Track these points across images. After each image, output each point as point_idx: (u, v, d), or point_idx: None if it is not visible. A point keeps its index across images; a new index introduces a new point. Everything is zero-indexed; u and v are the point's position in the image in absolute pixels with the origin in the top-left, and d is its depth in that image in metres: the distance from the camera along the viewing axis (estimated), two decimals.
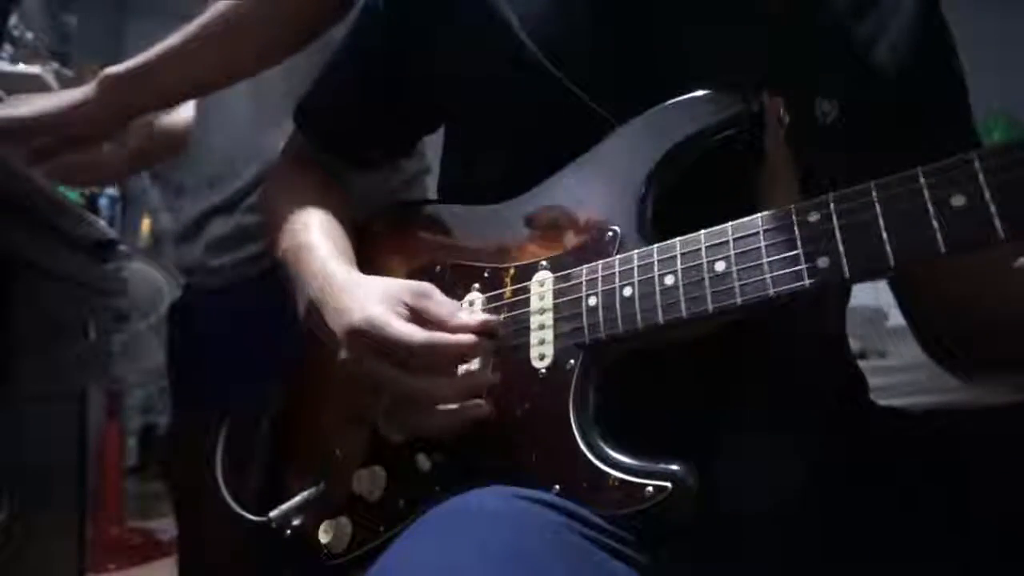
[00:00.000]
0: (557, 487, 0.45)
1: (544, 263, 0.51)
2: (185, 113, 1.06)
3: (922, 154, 0.40)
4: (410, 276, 0.59)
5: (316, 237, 0.62)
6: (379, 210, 0.68)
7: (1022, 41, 2.88)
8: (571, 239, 0.51)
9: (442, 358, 0.50)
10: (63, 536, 1.10)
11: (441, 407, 0.50)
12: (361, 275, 0.57)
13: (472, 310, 0.53)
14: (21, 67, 1.35)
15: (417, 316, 0.51)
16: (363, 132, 0.68)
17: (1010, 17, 2.90)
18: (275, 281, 0.68)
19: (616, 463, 0.43)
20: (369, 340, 0.50)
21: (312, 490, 0.57)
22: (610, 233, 0.49)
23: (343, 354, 0.52)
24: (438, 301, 0.52)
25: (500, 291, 0.53)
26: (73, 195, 1.32)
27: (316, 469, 0.59)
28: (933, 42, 0.57)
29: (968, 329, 0.55)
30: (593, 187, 0.51)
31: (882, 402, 0.59)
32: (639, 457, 0.43)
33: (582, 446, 0.45)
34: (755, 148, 0.48)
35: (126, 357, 2.22)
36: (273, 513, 0.57)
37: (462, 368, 0.51)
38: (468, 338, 0.49)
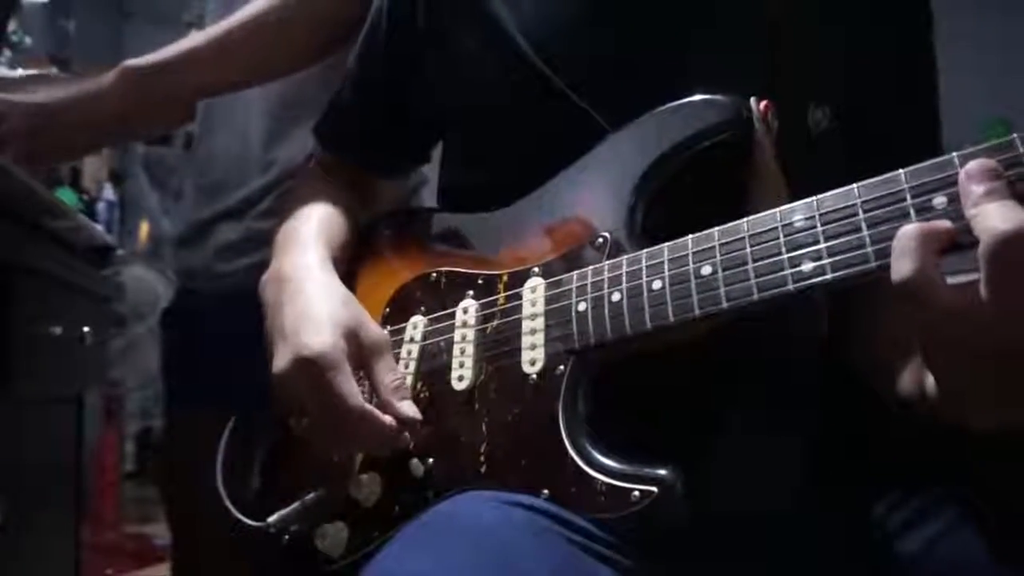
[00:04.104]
0: (546, 491, 0.45)
1: (536, 269, 0.52)
2: None
3: (916, 162, 0.40)
4: (406, 284, 0.60)
5: (312, 222, 0.63)
6: (375, 218, 0.68)
7: (1022, 44, 2.89)
8: (563, 245, 0.52)
9: (364, 432, 0.50)
10: (59, 540, 1.10)
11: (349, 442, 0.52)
12: (331, 286, 0.57)
13: (405, 394, 0.53)
14: (20, 72, 1.36)
15: (359, 363, 0.52)
16: (377, 141, 0.69)
17: (1011, 19, 2.91)
18: None
19: (604, 467, 0.44)
20: (312, 371, 0.50)
21: (310, 496, 0.57)
22: (601, 239, 0.50)
23: (281, 365, 0.52)
24: (382, 368, 0.53)
25: (494, 297, 0.53)
26: (71, 200, 1.33)
27: (314, 475, 0.59)
28: (924, 52, 0.57)
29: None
30: (585, 193, 0.52)
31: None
32: (628, 462, 0.44)
33: (570, 451, 0.45)
34: (745, 152, 0.48)
35: (124, 361, 2.22)
36: (271, 518, 0.57)
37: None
38: (393, 425, 0.50)
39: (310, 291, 0.56)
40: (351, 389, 0.50)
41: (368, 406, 0.50)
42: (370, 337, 0.53)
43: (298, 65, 0.80)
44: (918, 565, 0.46)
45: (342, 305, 0.55)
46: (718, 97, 0.48)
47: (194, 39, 0.78)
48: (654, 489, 0.41)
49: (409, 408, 0.51)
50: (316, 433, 0.54)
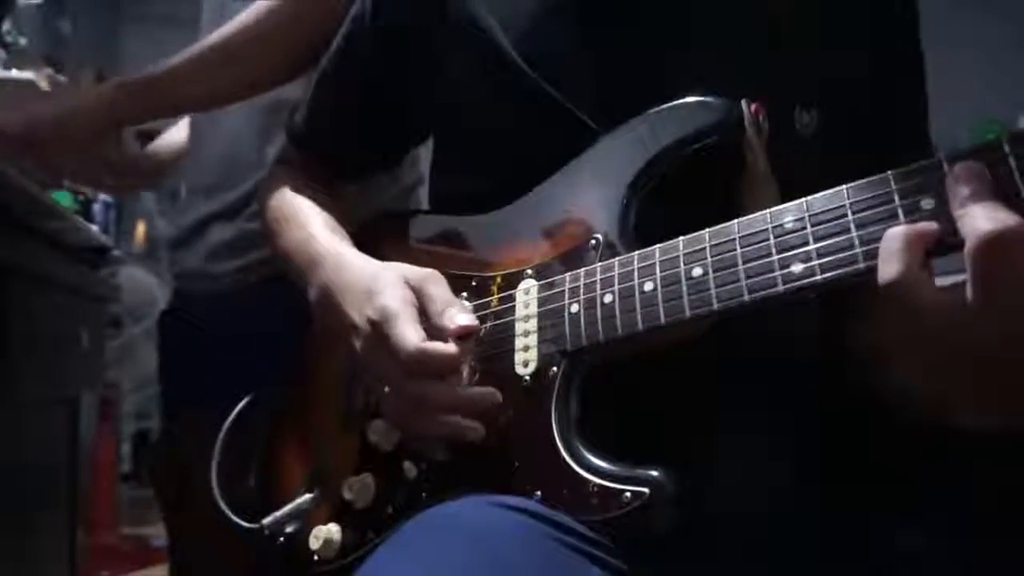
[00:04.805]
0: (539, 493, 0.45)
1: (529, 271, 0.52)
2: (178, 135, 1.07)
3: (904, 163, 0.40)
4: None
5: (320, 229, 0.63)
6: (368, 220, 0.68)
7: (1017, 44, 2.89)
8: (556, 247, 0.52)
9: (431, 367, 0.49)
10: (56, 541, 1.10)
11: (432, 417, 0.49)
12: (371, 260, 0.57)
13: (462, 307, 0.52)
14: (15, 73, 1.35)
15: (415, 301, 0.51)
16: (353, 142, 0.69)
17: (1007, 19, 2.91)
18: (276, 288, 0.68)
19: (596, 469, 0.44)
20: (379, 331, 0.50)
21: (305, 498, 0.57)
22: (593, 241, 0.50)
23: (357, 342, 0.52)
24: (431, 295, 0.52)
25: (487, 299, 0.53)
26: (67, 201, 1.33)
27: (309, 477, 0.59)
28: (909, 52, 0.58)
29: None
30: (577, 196, 0.52)
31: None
32: (620, 463, 0.44)
33: (563, 452, 0.45)
34: (736, 155, 0.48)
35: (120, 363, 2.21)
36: (266, 520, 0.57)
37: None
38: (453, 349, 0.49)
39: (359, 276, 0.56)
40: (408, 332, 0.49)
41: (423, 344, 0.48)
42: (415, 276, 0.53)
43: (282, 78, 0.81)
44: (917, 565, 0.46)
45: (384, 267, 0.55)
46: (709, 99, 0.48)
47: (180, 55, 0.79)
48: (645, 490, 0.42)
49: (463, 319, 0.49)
50: (398, 401, 0.51)
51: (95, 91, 0.80)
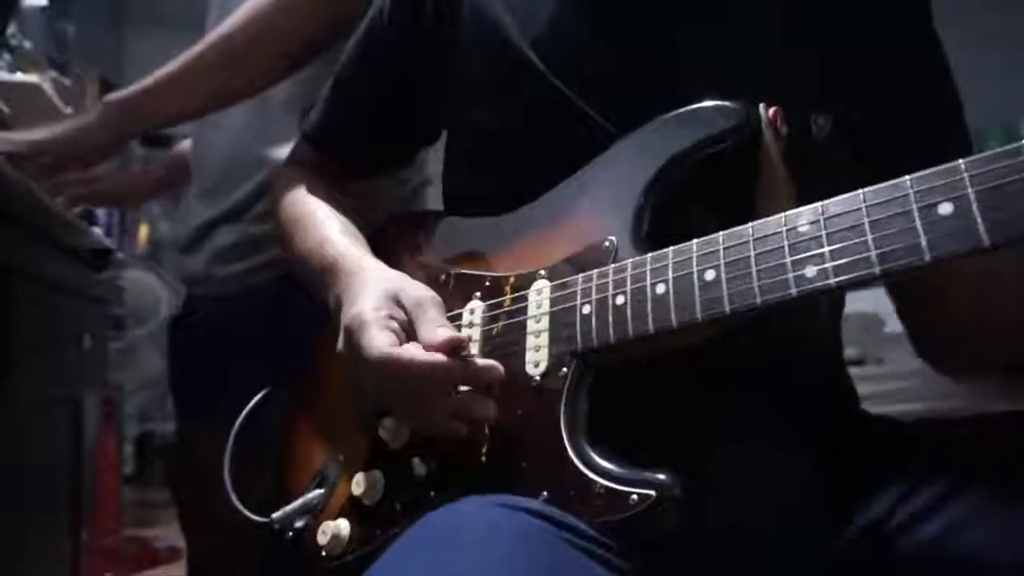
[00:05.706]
0: (545, 494, 0.45)
1: (543, 272, 0.52)
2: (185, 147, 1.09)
3: (918, 168, 0.40)
4: None
5: (337, 233, 0.63)
6: (384, 220, 0.69)
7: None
8: (570, 249, 0.52)
9: (405, 372, 0.48)
10: (59, 542, 1.09)
11: (433, 411, 0.49)
12: (383, 268, 0.57)
13: (452, 329, 0.51)
14: (19, 76, 1.35)
15: (407, 322, 0.51)
16: (367, 140, 0.70)
17: (1015, 19, 2.90)
18: (283, 289, 0.68)
19: (603, 471, 0.44)
20: (355, 340, 0.51)
21: (314, 493, 0.58)
22: (607, 243, 0.50)
23: (339, 345, 0.53)
24: (427, 318, 0.51)
25: (500, 299, 0.54)
26: None
27: (319, 473, 0.60)
28: (927, 57, 0.57)
29: (959, 334, 0.55)
30: (592, 198, 0.52)
31: (876, 410, 0.59)
32: (628, 466, 0.44)
33: (571, 453, 0.45)
34: (752, 159, 0.48)
35: (123, 365, 2.22)
36: (276, 515, 0.58)
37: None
38: (434, 357, 0.48)
39: (366, 274, 0.56)
40: (378, 340, 0.49)
41: (393, 349, 0.48)
42: (412, 296, 0.52)
43: (265, 85, 0.82)
44: (924, 563, 0.46)
45: (387, 280, 0.55)
46: (726, 103, 0.48)
47: (167, 67, 0.80)
48: (652, 493, 0.41)
49: (445, 332, 0.49)
50: (397, 406, 0.52)
51: (98, 111, 0.82)
